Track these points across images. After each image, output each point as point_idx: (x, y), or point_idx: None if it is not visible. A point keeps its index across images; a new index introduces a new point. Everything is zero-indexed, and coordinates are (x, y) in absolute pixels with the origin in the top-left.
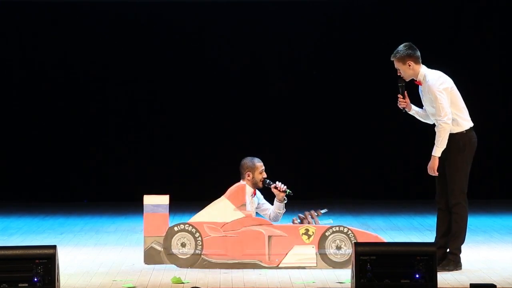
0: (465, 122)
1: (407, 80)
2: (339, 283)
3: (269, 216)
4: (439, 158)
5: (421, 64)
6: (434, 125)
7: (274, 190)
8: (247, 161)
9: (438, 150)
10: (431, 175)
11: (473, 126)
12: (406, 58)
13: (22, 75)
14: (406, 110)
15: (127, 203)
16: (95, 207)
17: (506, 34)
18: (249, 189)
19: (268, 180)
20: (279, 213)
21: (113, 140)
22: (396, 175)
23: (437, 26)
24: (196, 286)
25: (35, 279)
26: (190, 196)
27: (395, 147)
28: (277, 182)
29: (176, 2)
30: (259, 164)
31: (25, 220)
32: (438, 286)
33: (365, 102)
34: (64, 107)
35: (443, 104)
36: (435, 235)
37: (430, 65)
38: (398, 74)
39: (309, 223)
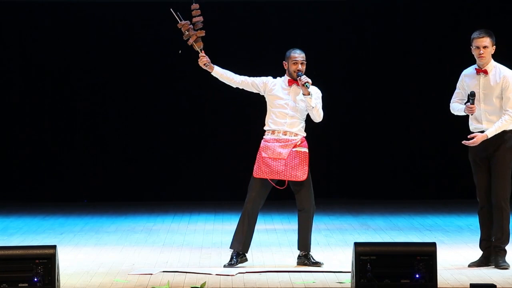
0: None
1: (481, 62)
2: (339, 283)
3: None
4: (485, 157)
5: None
6: (467, 116)
7: (299, 83)
8: (287, 51)
9: (492, 133)
10: (468, 145)
11: None
12: (495, 43)
13: (21, 75)
14: (471, 113)
15: (127, 203)
16: (95, 207)
17: (507, 34)
18: (284, 79)
19: (300, 73)
20: (309, 108)
21: (113, 140)
22: (396, 175)
23: (438, 26)
24: (196, 286)
25: (35, 279)
26: (191, 196)
27: (396, 147)
28: (303, 76)
29: (175, 2)
30: (294, 55)
31: (25, 220)
32: (438, 286)
33: (364, 102)
34: (64, 107)
35: None
36: (480, 233)
37: (434, 63)
38: (479, 53)
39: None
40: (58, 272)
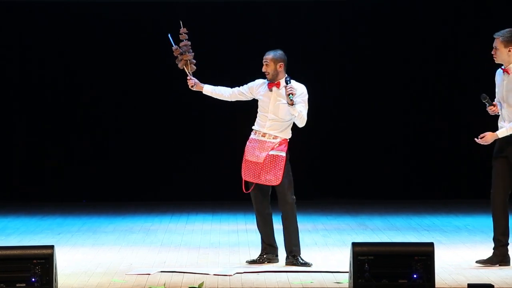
0: None
1: (496, 62)
2: (337, 283)
3: None
4: (503, 156)
5: None
6: (497, 116)
7: (284, 91)
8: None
9: (503, 134)
10: (480, 144)
11: None
12: (511, 43)
13: (20, 75)
14: (497, 113)
15: (125, 203)
16: (93, 207)
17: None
18: (264, 82)
19: (288, 79)
20: (292, 116)
21: (111, 140)
22: (394, 175)
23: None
24: (193, 286)
25: (33, 279)
26: (189, 196)
27: (394, 147)
28: (289, 84)
29: (175, 2)
30: (264, 56)
31: (23, 220)
32: (436, 286)
33: (363, 102)
34: (61, 107)
35: None
36: (493, 233)
37: (433, 64)
38: (492, 53)
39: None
40: (56, 272)
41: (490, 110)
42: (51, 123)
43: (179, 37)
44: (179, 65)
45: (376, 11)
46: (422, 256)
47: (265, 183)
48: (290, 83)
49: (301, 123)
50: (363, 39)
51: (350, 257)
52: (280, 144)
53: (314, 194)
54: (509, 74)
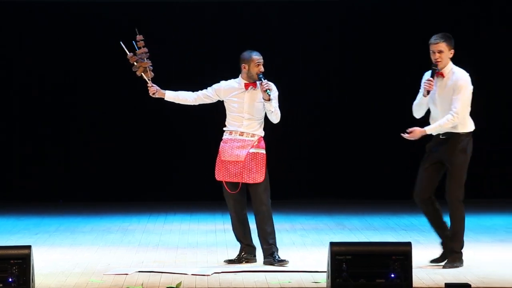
0: (471, 125)
1: (438, 67)
2: (314, 283)
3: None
4: (436, 157)
5: None
6: (427, 116)
7: (260, 87)
8: (245, 53)
9: (432, 131)
10: (407, 138)
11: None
12: (452, 47)
13: (20, 76)
14: (428, 90)
15: (102, 203)
16: (70, 207)
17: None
18: (239, 81)
19: (261, 76)
20: (269, 112)
21: (89, 141)
22: (372, 174)
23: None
24: (171, 286)
25: (10, 279)
26: (167, 196)
27: (372, 146)
28: (263, 80)
29: (175, 2)
30: (256, 57)
31: (0, 220)
32: (413, 286)
33: (362, 102)
34: (46, 108)
35: (465, 101)
36: (434, 231)
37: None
38: (435, 58)
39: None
40: (33, 272)
41: (430, 83)
42: (30, 123)
43: (136, 44)
44: (137, 73)
45: (376, 11)
46: (399, 256)
47: (248, 181)
48: (264, 79)
49: (277, 119)
50: (363, 39)
51: (328, 256)
52: (258, 141)
53: (293, 194)
54: (443, 77)
